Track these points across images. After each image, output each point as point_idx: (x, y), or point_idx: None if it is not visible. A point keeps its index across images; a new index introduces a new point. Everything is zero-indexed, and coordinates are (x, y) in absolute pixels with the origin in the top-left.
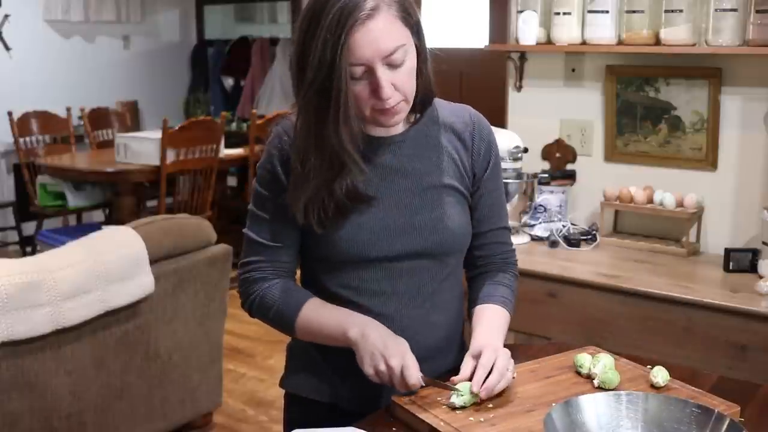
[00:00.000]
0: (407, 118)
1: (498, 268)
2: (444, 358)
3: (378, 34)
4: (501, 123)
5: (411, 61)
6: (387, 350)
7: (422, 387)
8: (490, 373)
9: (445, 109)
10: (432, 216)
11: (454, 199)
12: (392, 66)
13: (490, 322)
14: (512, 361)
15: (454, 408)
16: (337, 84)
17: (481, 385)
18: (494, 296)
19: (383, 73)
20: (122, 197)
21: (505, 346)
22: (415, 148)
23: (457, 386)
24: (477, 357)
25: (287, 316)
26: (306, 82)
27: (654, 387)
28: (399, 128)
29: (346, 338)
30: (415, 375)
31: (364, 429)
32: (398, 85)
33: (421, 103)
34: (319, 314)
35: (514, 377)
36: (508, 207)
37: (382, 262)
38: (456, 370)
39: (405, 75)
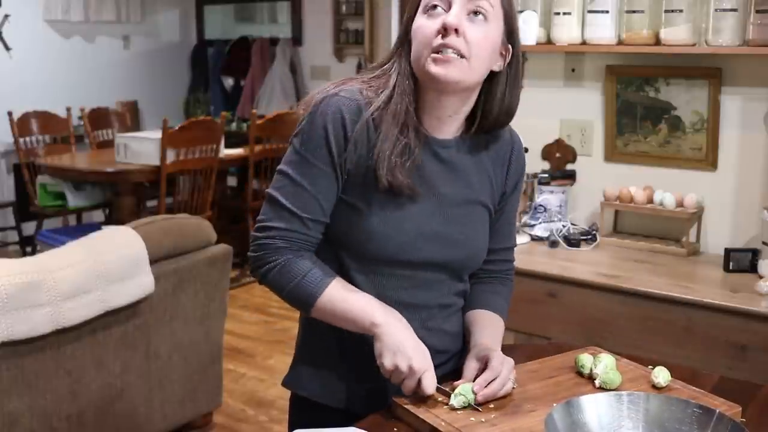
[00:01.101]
0: (461, 126)
1: (499, 281)
2: (445, 364)
3: None
4: None
5: (491, 35)
6: (414, 351)
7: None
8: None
9: None
10: (463, 230)
11: (483, 217)
12: (471, 17)
13: (493, 329)
14: (514, 371)
15: (454, 408)
16: (413, 10)
17: (483, 388)
18: (496, 306)
19: (459, 9)
20: (122, 197)
21: (505, 346)
22: (459, 159)
23: (457, 387)
24: (481, 360)
25: (310, 292)
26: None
27: (655, 387)
28: (449, 133)
29: (372, 324)
30: (433, 385)
31: (364, 429)
32: (467, 37)
33: (494, 123)
34: (346, 295)
35: (514, 387)
36: None
37: (405, 269)
38: (455, 373)
39: (478, 33)
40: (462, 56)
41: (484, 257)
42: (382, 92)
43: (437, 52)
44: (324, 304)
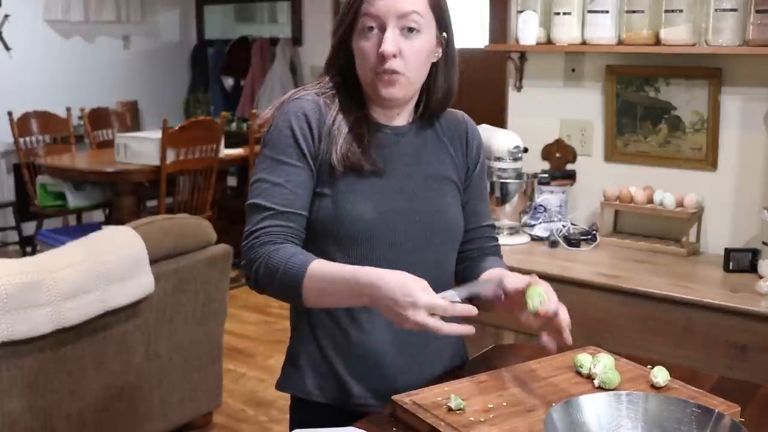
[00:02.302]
0: (411, 112)
1: (491, 254)
2: (440, 360)
3: None
4: (501, 123)
5: (426, 43)
6: (411, 287)
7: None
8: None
9: None
10: (433, 203)
11: (452, 191)
12: (405, 33)
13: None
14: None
15: (450, 409)
16: (347, 28)
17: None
18: (500, 266)
19: (392, 32)
20: (122, 197)
21: (505, 346)
22: (417, 140)
23: (529, 291)
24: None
25: (295, 275)
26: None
27: (654, 387)
28: (402, 120)
29: (370, 282)
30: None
31: (364, 429)
32: (405, 55)
33: (438, 104)
34: (329, 268)
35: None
36: (508, 207)
37: (387, 249)
38: (447, 375)
39: (415, 48)
40: (402, 73)
41: (462, 233)
42: (334, 101)
43: (381, 73)
44: (310, 284)
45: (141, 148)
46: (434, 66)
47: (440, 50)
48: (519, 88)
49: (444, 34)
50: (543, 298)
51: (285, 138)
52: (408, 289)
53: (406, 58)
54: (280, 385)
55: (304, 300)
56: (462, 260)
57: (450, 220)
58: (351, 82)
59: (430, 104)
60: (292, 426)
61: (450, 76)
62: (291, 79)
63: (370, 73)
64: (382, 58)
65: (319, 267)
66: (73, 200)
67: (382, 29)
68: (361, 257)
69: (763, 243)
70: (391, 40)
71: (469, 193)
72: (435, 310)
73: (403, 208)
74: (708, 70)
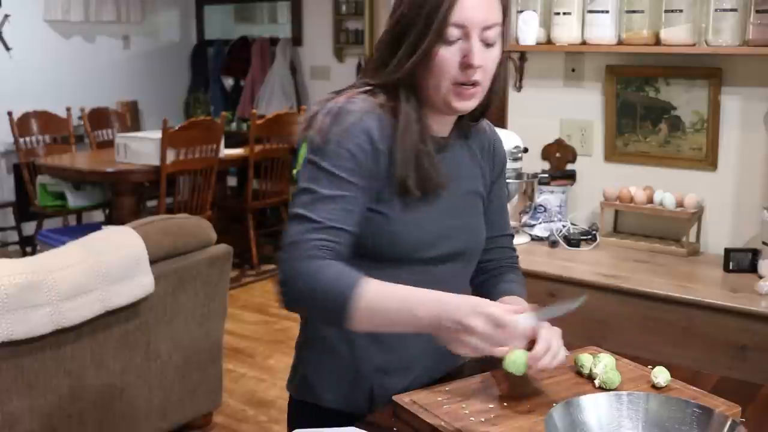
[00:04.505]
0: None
1: (509, 269)
2: (453, 359)
3: (487, 5)
4: (501, 123)
5: (498, 52)
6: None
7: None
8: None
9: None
10: (468, 221)
11: (480, 207)
12: (485, 43)
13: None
14: (562, 341)
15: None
16: (436, 35)
17: (537, 361)
18: (515, 292)
19: (477, 43)
20: (122, 197)
21: None
22: (456, 153)
23: (510, 353)
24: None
25: (343, 294)
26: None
27: (655, 387)
28: (446, 131)
29: (435, 297)
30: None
31: (364, 429)
32: (483, 65)
33: (481, 111)
34: (386, 287)
35: (567, 355)
36: (508, 207)
37: (422, 265)
38: (446, 375)
39: (492, 59)
40: (481, 85)
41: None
42: (396, 113)
43: (460, 85)
44: (365, 304)
45: (141, 148)
46: None
47: None
48: (519, 88)
49: (502, 40)
50: (524, 360)
51: (344, 152)
52: (477, 301)
53: (485, 69)
54: (297, 391)
55: (347, 322)
56: (479, 273)
57: (479, 236)
58: (410, 91)
59: (475, 110)
60: (292, 426)
61: (497, 81)
62: (291, 79)
63: (447, 83)
64: (468, 69)
65: (375, 286)
66: (73, 200)
67: (466, 39)
68: (390, 273)
69: (763, 243)
70: (480, 51)
71: (489, 202)
72: (500, 321)
73: (447, 226)
74: (708, 70)
